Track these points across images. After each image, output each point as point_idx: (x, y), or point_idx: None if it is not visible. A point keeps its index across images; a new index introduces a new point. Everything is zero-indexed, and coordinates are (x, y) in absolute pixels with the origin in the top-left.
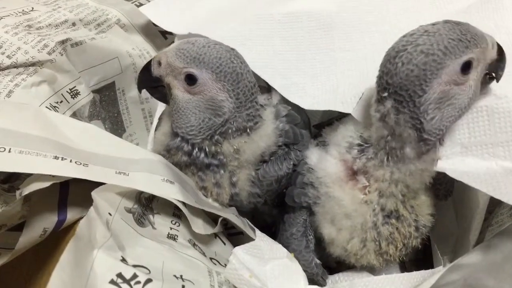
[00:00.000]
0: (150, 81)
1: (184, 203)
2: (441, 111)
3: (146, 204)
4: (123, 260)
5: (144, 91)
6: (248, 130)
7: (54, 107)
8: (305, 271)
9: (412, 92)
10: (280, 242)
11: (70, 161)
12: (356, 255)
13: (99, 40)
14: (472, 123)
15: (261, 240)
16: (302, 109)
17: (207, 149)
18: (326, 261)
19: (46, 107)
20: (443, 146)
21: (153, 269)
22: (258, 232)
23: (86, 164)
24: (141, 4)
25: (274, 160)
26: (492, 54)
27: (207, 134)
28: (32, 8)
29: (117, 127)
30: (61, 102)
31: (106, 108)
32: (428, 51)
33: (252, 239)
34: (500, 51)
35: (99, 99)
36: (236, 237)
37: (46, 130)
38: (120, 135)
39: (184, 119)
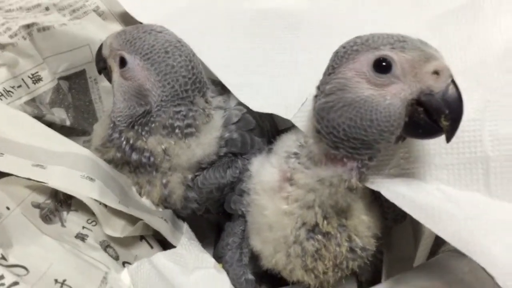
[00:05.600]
0: (102, 62)
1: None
2: (336, 97)
3: (64, 200)
4: (2, 258)
5: None
6: (177, 131)
7: (8, 91)
8: (234, 285)
9: (326, 70)
10: (217, 251)
11: None
12: (286, 270)
13: (70, 26)
14: (417, 139)
15: (184, 248)
16: (268, 113)
17: (131, 141)
18: None
19: None
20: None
21: (34, 270)
22: (184, 239)
23: (2, 154)
24: None
25: (216, 166)
26: (433, 81)
27: (128, 122)
28: None
29: (88, 116)
30: (19, 86)
31: (76, 96)
32: (357, 38)
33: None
34: (454, 94)
35: (68, 86)
36: None
37: None
38: (91, 124)
39: (116, 104)
